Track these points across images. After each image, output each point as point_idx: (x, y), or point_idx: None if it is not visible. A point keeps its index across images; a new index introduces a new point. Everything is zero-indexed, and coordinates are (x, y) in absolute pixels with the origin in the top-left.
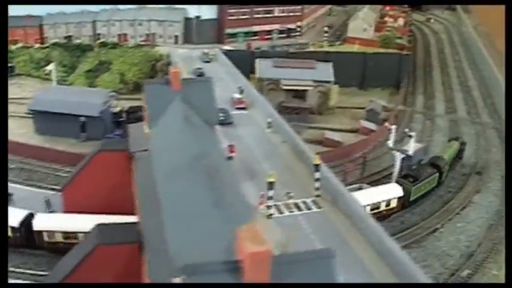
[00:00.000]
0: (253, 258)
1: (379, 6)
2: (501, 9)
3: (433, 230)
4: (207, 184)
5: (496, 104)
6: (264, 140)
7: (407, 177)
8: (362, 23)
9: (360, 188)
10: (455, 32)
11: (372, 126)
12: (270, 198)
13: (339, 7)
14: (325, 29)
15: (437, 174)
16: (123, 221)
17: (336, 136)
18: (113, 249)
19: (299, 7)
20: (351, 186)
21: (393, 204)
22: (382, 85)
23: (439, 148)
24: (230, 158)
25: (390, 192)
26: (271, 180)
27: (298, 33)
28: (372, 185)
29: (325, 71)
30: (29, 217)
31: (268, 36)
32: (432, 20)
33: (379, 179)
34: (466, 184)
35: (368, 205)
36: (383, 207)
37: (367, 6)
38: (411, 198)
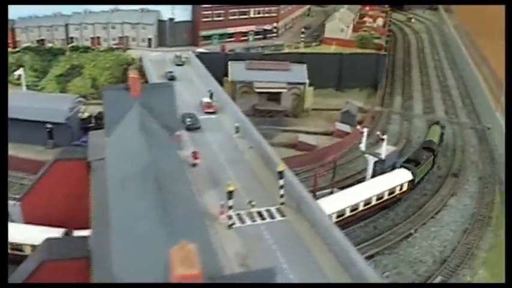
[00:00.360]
0: (183, 281)
1: (358, 6)
2: (482, 9)
3: (407, 236)
4: (157, 196)
5: (475, 103)
6: (231, 145)
7: (409, 162)
8: (339, 23)
9: (331, 193)
10: (436, 32)
11: (347, 128)
12: (230, 207)
13: (318, 7)
14: (302, 29)
15: (433, 156)
16: (77, 235)
17: (310, 139)
18: (60, 265)
19: (275, 8)
20: (321, 192)
21: (405, 187)
22: (360, 86)
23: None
24: (194, 165)
25: (402, 176)
26: (230, 189)
27: (274, 35)
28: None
29: (300, 72)
30: None
31: (244, 38)
32: (413, 20)
33: (352, 183)
34: (442, 186)
35: (386, 190)
36: (397, 191)
37: (346, 6)
38: (416, 181)
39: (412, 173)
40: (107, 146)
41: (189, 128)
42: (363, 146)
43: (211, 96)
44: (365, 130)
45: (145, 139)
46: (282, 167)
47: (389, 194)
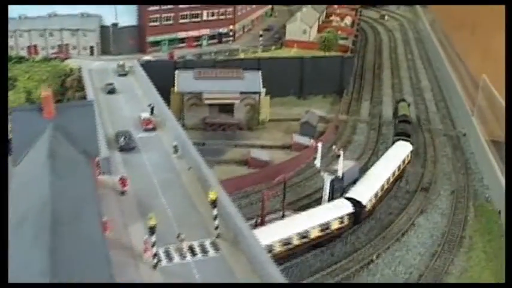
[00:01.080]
0: None
1: (323, 6)
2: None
3: (368, 262)
4: (49, 240)
5: (450, 107)
6: (168, 167)
7: (400, 135)
8: (301, 24)
9: (283, 217)
10: (410, 29)
11: (306, 141)
12: (154, 244)
13: (283, 6)
14: (260, 32)
15: (411, 127)
16: None
17: (263, 155)
18: None
19: (231, 9)
20: (271, 216)
21: (407, 159)
22: (324, 92)
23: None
24: (123, 192)
25: (405, 149)
26: (151, 223)
27: (230, 38)
28: (299, 211)
29: (254, 80)
30: None
31: (197, 43)
32: (386, 17)
33: (309, 203)
34: (410, 203)
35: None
36: (405, 163)
37: (310, 5)
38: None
39: (411, 143)
40: (13, 177)
41: (123, 149)
42: (318, 163)
43: (152, 111)
44: (319, 145)
45: (52, 169)
46: (214, 194)
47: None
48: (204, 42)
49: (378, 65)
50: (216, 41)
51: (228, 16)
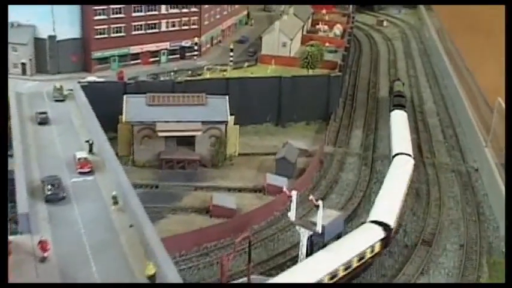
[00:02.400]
0: None
1: (310, 10)
2: (467, 6)
3: None
4: None
5: (459, 135)
6: (105, 223)
7: (397, 107)
8: (280, 35)
9: (248, 283)
10: (413, 38)
11: (282, 182)
12: None
13: (262, 11)
14: (231, 46)
15: (405, 100)
16: None
17: (229, 201)
18: None
19: (196, 17)
20: (237, 282)
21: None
22: (307, 119)
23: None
24: (43, 259)
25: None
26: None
27: (195, 53)
28: (270, 274)
29: (220, 107)
30: None
31: (154, 59)
32: (385, 23)
33: (284, 263)
34: (408, 261)
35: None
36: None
37: (292, 10)
38: None
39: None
40: None
41: (50, 200)
42: (292, 215)
43: (90, 148)
44: (294, 194)
45: None
46: (152, 269)
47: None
48: (163, 58)
49: (373, 83)
50: (177, 56)
51: (193, 26)
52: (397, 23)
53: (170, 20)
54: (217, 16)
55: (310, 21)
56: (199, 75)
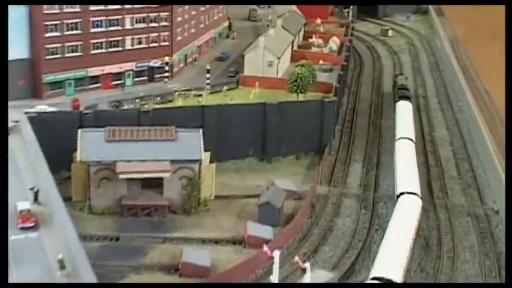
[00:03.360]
0: None
1: (302, 21)
2: (487, 11)
3: None
4: None
5: (476, 169)
6: None
7: (402, 99)
8: (265, 53)
9: None
10: (424, 50)
11: (266, 232)
12: None
13: (245, 21)
14: (208, 66)
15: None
16: None
17: (202, 257)
18: None
19: (167, 33)
20: None
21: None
22: (296, 152)
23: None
24: None
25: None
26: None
27: (166, 75)
28: None
29: (192, 142)
30: None
31: (118, 83)
32: (391, 33)
33: None
34: None
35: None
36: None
37: (280, 21)
38: None
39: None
40: None
41: None
42: (274, 279)
43: (35, 197)
44: (276, 255)
45: None
46: None
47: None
48: (128, 81)
49: (376, 107)
50: (145, 78)
51: (163, 43)
52: (404, 32)
53: (136, 37)
54: (192, 30)
55: (302, 33)
56: (170, 101)
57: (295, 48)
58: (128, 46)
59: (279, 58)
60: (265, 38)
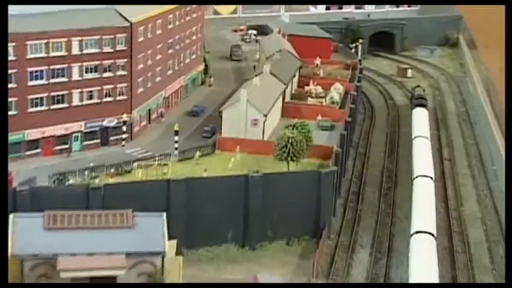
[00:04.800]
0: None
1: (297, 63)
2: None
3: None
4: None
5: None
6: None
7: (418, 106)
8: (248, 109)
9: None
10: (451, 96)
11: None
12: None
13: (226, 62)
14: (176, 127)
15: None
16: None
17: None
18: None
19: (124, 84)
20: None
21: None
22: (286, 236)
23: None
24: None
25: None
26: None
27: (124, 137)
28: None
29: (153, 230)
30: None
31: (63, 147)
32: (410, 72)
33: None
34: None
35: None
36: None
37: (269, 66)
38: None
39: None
40: None
41: None
42: None
43: None
44: None
45: None
46: None
47: None
48: (75, 146)
49: (389, 173)
50: (97, 142)
51: (120, 97)
52: (427, 71)
53: (86, 90)
54: (158, 79)
55: (296, 79)
56: (128, 172)
57: (287, 99)
58: (76, 102)
59: (265, 115)
60: (248, 90)
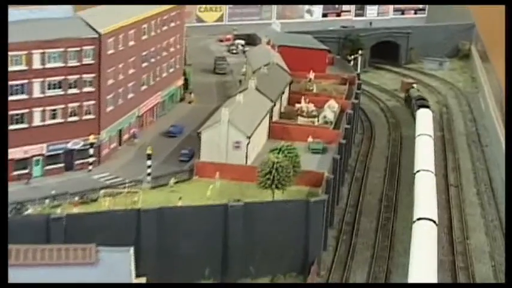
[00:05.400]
0: None
1: (287, 78)
2: None
3: None
4: None
5: None
6: None
7: (422, 106)
8: (230, 131)
9: None
10: (461, 114)
11: None
12: None
13: (209, 75)
14: (148, 150)
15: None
16: None
17: None
18: None
19: (92, 102)
20: None
21: None
22: (272, 272)
23: None
24: None
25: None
26: None
27: (91, 160)
28: None
29: (119, 267)
30: None
31: (21, 172)
32: (416, 88)
33: None
34: None
35: None
36: None
37: (254, 82)
38: None
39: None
40: None
41: None
42: None
43: None
44: None
45: None
46: None
47: None
48: (36, 171)
49: (388, 202)
50: (60, 166)
51: (87, 116)
52: (435, 86)
53: (48, 108)
54: (130, 95)
55: (286, 95)
56: (95, 201)
57: (275, 118)
58: (37, 122)
59: (249, 137)
60: (230, 108)
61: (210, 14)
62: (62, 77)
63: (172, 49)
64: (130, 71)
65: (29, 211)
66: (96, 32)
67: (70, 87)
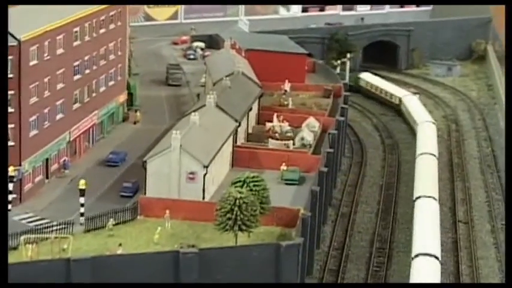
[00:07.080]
0: None
1: (256, 91)
2: None
3: None
4: None
5: None
6: None
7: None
8: (182, 159)
9: None
10: (474, 132)
11: None
12: None
13: (161, 88)
14: (81, 185)
15: None
16: None
17: None
18: None
19: (11, 125)
20: None
21: None
22: None
23: None
24: None
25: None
26: None
27: (10, 197)
28: None
29: None
30: None
31: None
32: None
33: None
34: None
35: None
36: None
37: (213, 99)
38: None
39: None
40: None
41: None
42: None
43: None
44: None
45: None
46: None
47: None
48: None
49: (381, 244)
50: None
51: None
52: (442, 97)
53: None
54: (59, 115)
55: (255, 112)
56: (14, 249)
57: (240, 141)
58: None
59: (206, 167)
60: (183, 131)
61: (161, 11)
62: None
63: (112, 56)
64: (59, 86)
65: None
66: (15, 38)
67: None
